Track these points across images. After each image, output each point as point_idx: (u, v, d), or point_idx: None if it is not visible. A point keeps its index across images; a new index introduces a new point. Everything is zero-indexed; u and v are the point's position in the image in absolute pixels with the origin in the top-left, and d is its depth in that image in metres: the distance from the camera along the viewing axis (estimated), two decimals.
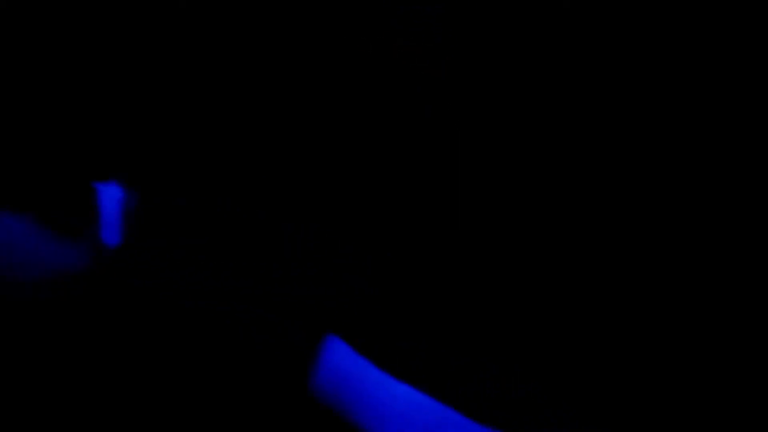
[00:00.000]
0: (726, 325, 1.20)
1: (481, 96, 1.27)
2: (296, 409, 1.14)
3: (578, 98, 1.27)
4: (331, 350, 1.13)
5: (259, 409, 1.15)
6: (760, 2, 1.26)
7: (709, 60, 1.26)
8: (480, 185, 1.25)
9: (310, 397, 1.13)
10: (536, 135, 1.27)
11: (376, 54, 1.27)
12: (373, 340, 1.14)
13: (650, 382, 1.19)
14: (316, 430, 1.13)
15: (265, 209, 1.22)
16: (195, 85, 1.27)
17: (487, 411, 1.12)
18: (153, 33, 1.27)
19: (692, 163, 1.25)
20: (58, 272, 1.16)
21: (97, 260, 1.17)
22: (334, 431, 1.12)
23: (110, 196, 1.20)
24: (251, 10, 1.27)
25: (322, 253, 1.20)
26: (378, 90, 1.26)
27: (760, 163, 1.25)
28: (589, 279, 1.23)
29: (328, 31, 1.27)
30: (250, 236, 1.20)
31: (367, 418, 1.11)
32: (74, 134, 1.27)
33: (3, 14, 1.25)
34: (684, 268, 1.22)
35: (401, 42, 1.27)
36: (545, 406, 1.13)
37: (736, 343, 1.19)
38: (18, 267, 1.16)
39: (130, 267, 1.16)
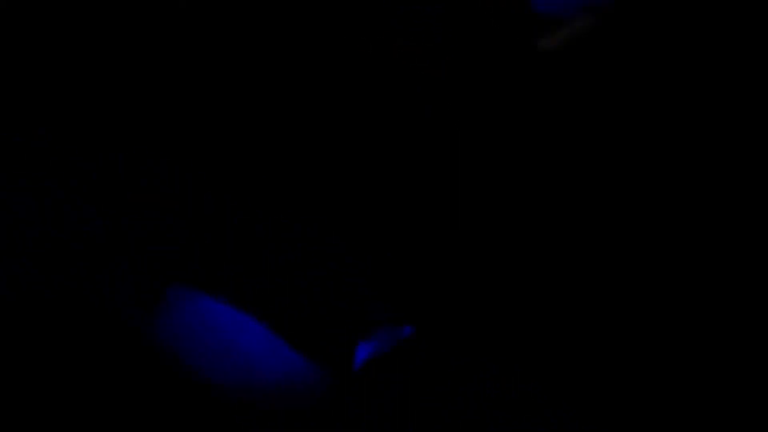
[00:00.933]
0: (726, 325, 1.20)
1: (481, 96, 1.27)
2: None
3: (577, 98, 1.27)
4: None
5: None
6: (760, 2, 1.26)
7: (708, 60, 1.27)
8: (480, 185, 1.26)
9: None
10: (536, 134, 1.27)
11: (376, 54, 1.27)
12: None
13: (650, 382, 1.19)
14: None
15: (265, 209, 1.22)
16: (194, 85, 1.27)
17: (488, 411, 1.12)
18: (152, 31, 1.27)
19: (692, 162, 1.26)
20: (277, 389, 1.00)
21: (334, 392, 1.02)
22: None
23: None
24: (251, 9, 1.28)
25: (321, 253, 1.20)
26: (378, 90, 1.26)
27: (760, 163, 1.25)
28: (589, 279, 1.23)
29: (328, 31, 1.27)
30: (250, 235, 1.20)
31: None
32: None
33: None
34: (684, 268, 1.22)
35: (401, 42, 1.27)
36: (545, 406, 1.13)
37: (736, 343, 1.20)
38: (232, 368, 1.01)
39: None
